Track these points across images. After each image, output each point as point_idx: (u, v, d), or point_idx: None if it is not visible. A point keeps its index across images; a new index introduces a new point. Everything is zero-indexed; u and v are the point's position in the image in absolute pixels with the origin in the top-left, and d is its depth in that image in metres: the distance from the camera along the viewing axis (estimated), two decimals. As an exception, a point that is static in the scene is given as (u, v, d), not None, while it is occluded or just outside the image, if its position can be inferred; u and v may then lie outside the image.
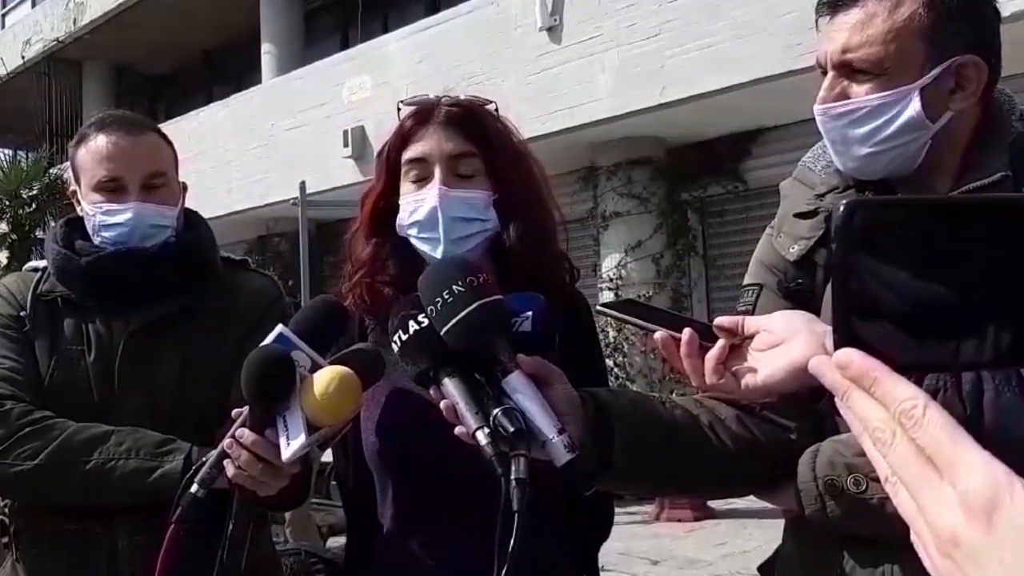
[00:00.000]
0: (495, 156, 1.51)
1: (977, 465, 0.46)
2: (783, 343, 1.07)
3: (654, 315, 1.20)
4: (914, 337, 0.54)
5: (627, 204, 9.51)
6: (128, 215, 1.73)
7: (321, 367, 1.30)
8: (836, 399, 0.54)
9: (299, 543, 2.47)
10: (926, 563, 0.49)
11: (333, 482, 6.46)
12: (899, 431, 0.49)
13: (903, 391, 0.50)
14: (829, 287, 1.31)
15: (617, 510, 1.67)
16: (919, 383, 0.52)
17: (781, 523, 1.43)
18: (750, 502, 1.43)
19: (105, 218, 1.74)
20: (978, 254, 0.53)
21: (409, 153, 1.51)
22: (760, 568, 1.46)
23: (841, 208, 0.54)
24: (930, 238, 0.54)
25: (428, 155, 1.49)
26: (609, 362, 8.49)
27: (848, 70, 1.24)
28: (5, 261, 11.59)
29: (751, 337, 1.10)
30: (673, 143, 9.51)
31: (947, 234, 0.54)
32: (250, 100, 13.06)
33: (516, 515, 1.03)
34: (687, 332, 1.11)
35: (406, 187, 1.51)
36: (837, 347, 0.54)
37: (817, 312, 1.28)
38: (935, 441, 0.48)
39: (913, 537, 0.50)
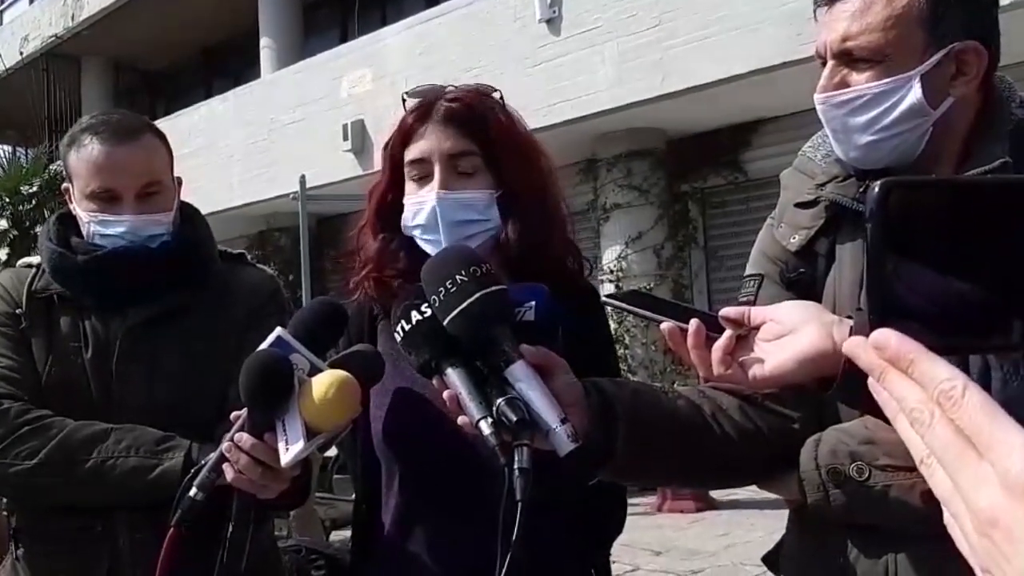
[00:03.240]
0: (497, 151, 1.49)
1: (1018, 445, 0.46)
2: (791, 333, 1.07)
3: (659, 306, 1.19)
4: (949, 318, 0.54)
5: (627, 196, 9.50)
6: (122, 228, 1.71)
7: (320, 370, 1.29)
8: (870, 380, 0.54)
9: (300, 539, 2.48)
10: (960, 544, 0.49)
11: (336, 476, 6.51)
12: (937, 411, 0.50)
13: (941, 371, 0.50)
14: (830, 276, 1.31)
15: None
16: None
17: (784, 513, 1.42)
18: (752, 492, 1.43)
19: (99, 228, 1.72)
20: (1013, 234, 0.54)
21: (410, 153, 1.50)
22: (765, 558, 1.46)
23: (876, 189, 0.55)
24: (964, 218, 0.54)
25: (427, 155, 1.48)
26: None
27: (848, 59, 1.24)
28: (5, 257, 11.58)
29: (758, 327, 1.09)
30: (673, 134, 9.50)
31: (981, 214, 0.54)
32: (249, 95, 13.04)
33: (519, 504, 1.02)
34: (694, 323, 1.11)
35: (409, 186, 1.51)
36: (872, 328, 0.54)
37: (818, 302, 1.28)
38: (975, 421, 0.48)
39: (946, 517, 0.50)
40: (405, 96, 1.55)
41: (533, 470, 1.03)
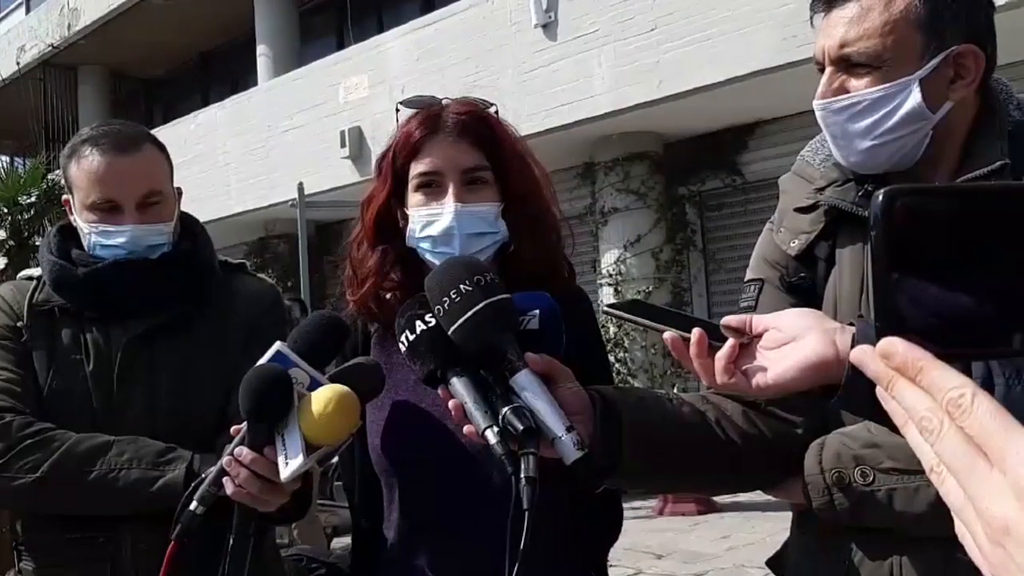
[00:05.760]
0: (503, 164, 1.49)
1: None
2: (793, 341, 1.07)
3: (661, 315, 1.19)
4: (954, 325, 0.54)
5: (625, 199, 9.50)
6: (123, 238, 1.71)
7: (320, 384, 1.29)
8: (878, 388, 0.54)
9: (301, 547, 2.47)
10: (972, 553, 0.49)
11: (337, 483, 6.49)
12: (947, 420, 0.49)
13: (951, 380, 0.50)
14: (831, 280, 1.31)
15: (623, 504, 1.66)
16: None
17: (785, 516, 1.43)
18: (754, 495, 1.43)
19: (100, 239, 1.72)
20: (1016, 240, 0.54)
21: (420, 166, 1.48)
22: (769, 562, 1.46)
23: (880, 196, 0.55)
24: (968, 225, 0.54)
25: (441, 169, 1.46)
26: (610, 357, 8.49)
27: (847, 64, 1.24)
28: (3, 267, 11.57)
29: (760, 335, 1.09)
30: (670, 137, 9.50)
31: (985, 220, 0.54)
32: (247, 102, 13.05)
33: (527, 513, 1.02)
34: (696, 332, 1.10)
35: (415, 198, 1.49)
36: (879, 336, 0.54)
37: (819, 306, 1.28)
38: (985, 429, 0.48)
39: (957, 526, 0.50)
40: (399, 107, 1.54)
41: (539, 479, 1.03)
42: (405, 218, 1.51)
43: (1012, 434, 0.47)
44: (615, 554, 1.61)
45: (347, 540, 1.78)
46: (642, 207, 9.48)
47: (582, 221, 9.56)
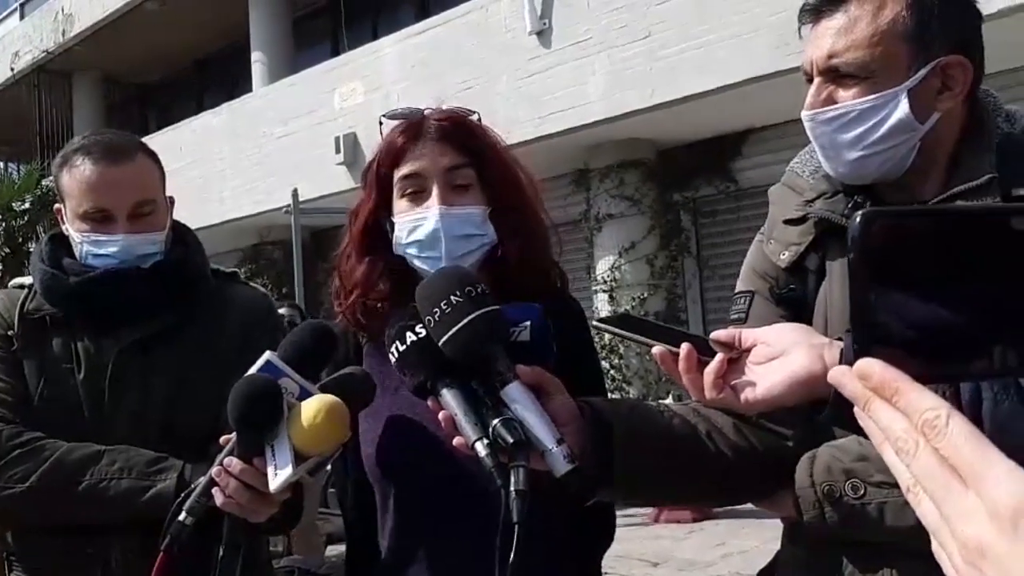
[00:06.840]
0: (487, 168, 1.50)
1: (1003, 474, 0.47)
2: (782, 356, 1.07)
3: (651, 329, 1.19)
4: (932, 346, 0.55)
5: (620, 206, 9.51)
6: (115, 248, 1.71)
7: (309, 394, 1.28)
8: (855, 408, 0.55)
9: (294, 558, 2.46)
10: (948, 573, 0.49)
11: (331, 490, 6.48)
12: (922, 441, 0.50)
13: (925, 401, 0.51)
14: (821, 292, 1.32)
15: (616, 512, 1.66)
16: None
17: (780, 523, 1.42)
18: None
19: (92, 248, 1.72)
20: (997, 263, 0.54)
21: (403, 170, 1.48)
22: (760, 574, 1.46)
23: (858, 218, 0.55)
24: (946, 246, 0.55)
25: (424, 171, 1.47)
26: (605, 364, 8.50)
27: (834, 75, 1.24)
28: (-1, 275, 11.56)
29: (749, 350, 1.09)
30: (664, 144, 9.53)
31: (962, 242, 0.55)
32: (241, 108, 13.04)
33: (516, 526, 1.02)
34: (685, 347, 1.10)
35: (401, 204, 1.49)
36: (857, 357, 0.54)
37: (809, 318, 1.28)
38: (959, 451, 0.48)
39: (934, 546, 0.50)
40: (382, 119, 1.55)
41: (530, 490, 1.03)
42: (392, 228, 1.51)
43: (986, 456, 0.47)
44: (608, 562, 1.61)
45: (342, 548, 1.79)
46: (636, 214, 9.50)
47: (576, 227, 9.57)
